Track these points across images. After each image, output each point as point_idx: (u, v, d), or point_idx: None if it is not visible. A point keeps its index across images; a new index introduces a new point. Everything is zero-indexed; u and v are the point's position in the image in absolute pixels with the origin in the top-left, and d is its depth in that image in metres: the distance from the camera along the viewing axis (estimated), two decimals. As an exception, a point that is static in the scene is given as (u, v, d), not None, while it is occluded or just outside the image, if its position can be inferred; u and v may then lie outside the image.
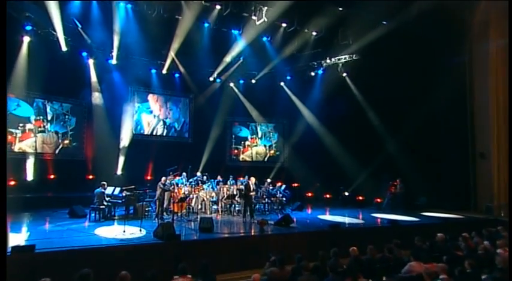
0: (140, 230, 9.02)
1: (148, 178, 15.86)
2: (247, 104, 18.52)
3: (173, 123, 17.93)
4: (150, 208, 11.71)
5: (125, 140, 16.14)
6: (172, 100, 17.94)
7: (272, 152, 19.80)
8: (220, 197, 12.59)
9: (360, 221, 12.00)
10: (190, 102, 18.24)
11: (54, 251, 6.44)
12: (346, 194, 16.30)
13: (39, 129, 14.64)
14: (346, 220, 12.19)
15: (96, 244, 7.51)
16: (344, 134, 16.36)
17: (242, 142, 19.41)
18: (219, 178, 14.34)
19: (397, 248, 7.47)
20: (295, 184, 16.69)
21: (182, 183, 13.09)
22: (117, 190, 11.13)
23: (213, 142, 17.44)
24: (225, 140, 18.89)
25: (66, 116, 15.51)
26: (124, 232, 8.75)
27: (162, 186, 10.86)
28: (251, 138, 19.50)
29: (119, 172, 15.51)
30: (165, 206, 11.15)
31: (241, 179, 14.26)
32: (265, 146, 19.75)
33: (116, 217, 10.80)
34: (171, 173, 12.26)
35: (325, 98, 16.88)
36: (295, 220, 10.78)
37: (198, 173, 14.27)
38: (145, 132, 17.23)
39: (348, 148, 16.05)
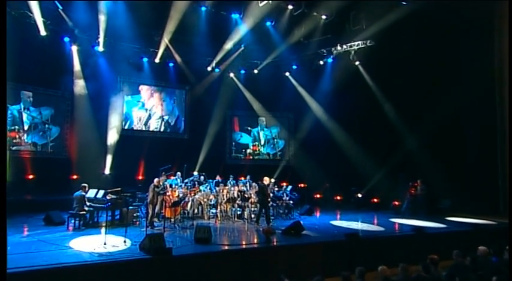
0: (124, 242, 7.94)
1: (140, 178, 15.44)
2: (249, 96, 17.83)
3: (167, 117, 17.34)
4: (139, 213, 10.77)
5: (113, 136, 15.44)
6: (166, 92, 17.34)
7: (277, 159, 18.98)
8: (220, 201, 11.59)
9: (379, 228, 10.90)
10: (186, 95, 17.66)
11: (9, 274, 5.26)
12: (359, 196, 15.47)
13: (14, 141, 13.58)
14: (363, 226, 11.17)
15: (67, 261, 6.36)
16: (357, 129, 15.64)
17: (243, 150, 18.80)
18: (218, 178, 13.71)
19: (434, 266, 6.35)
20: (302, 185, 15.94)
21: (176, 184, 12.29)
22: (101, 192, 10.10)
23: (211, 138, 16.88)
24: (224, 136, 18.27)
25: (47, 125, 14.52)
26: (105, 244, 7.61)
27: (155, 189, 9.84)
28: (253, 145, 18.89)
29: (107, 171, 14.95)
30: (156, 210, 10.17)
31: (242, 179, 13.78)
32: (268, 154, 19.10)
33: (99, 224, 9.81)
34: (163, 173, 11.28)
35: (336, 89, 16.07)
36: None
37: (195, 173, 13.82)
38: (136, 128, 16.61)
39: (361, 145, 15.28)
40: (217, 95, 17.19)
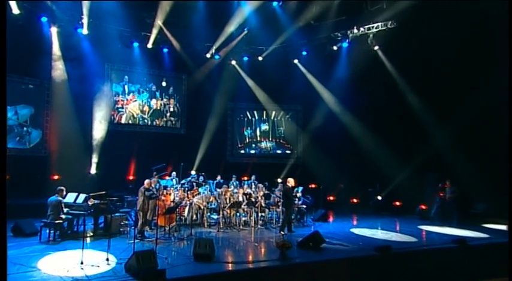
0: (107, 260, 6.69)
1: (130, 178, 14.67)
2: (253, 86, 17.14)
3: (161, 110, 16.59)
4: (127, 221, 9.58)
5: (99, 130, 14.57)
6: (159, 81, 16.52)
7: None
8: (222, 205, 10.50)
9: (410, 238, 9.70)
10: (183, 84, 16.99)
11: None
12: (379, 198, 14.59)
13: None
14: (390, 235, 10.02)
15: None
16: (376, 122, 14.77)
17: (246, 147, 18.15)
18: (218, 178, 13.35)
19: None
20: (313, 185, 14.99)
21: (172, 186, 11.44)
22: (82, 197, 8.99)
23: (211, 133, 16.23)
24: (225, 131, 17.65)
25: (25, 128, 13.37)
26: (82, 263, 6.38)
27: (145, 192, 8.78)
28: (257, 141, 18.22)
29: (93, 170, 14.16)
30: (148, 217, 9.07)
31: (245, 179, 13.50)
32: (275, 151, 18.28)
33: (79, 235, 8.35)
34: (155, 173, 10.13)
35: (352, 78, 15.21)
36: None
37: (192, 173, 13.38)
38: (126, 122, 15.84)
39: (381, 141, 14.36)
40: (218, 85, 16.54)
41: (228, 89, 16.69)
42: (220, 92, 16.56)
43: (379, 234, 10.18)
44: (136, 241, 7.71)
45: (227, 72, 16.71)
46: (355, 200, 15.24)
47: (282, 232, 9.56)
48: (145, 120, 16.14)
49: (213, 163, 15.29)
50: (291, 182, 10.21)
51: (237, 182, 13.57)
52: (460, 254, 8.32)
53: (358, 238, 9.56)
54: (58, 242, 8.20)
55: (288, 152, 17.95)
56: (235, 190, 11.71)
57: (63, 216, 8.55)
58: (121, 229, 9.12)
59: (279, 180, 15.26)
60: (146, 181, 8.98)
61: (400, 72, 14.43)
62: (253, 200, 10.85)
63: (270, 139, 18.07)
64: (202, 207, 10.71)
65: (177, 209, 9.86)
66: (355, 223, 12.10)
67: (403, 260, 7.89)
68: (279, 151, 18.06)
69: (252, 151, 17.92)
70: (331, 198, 15.20)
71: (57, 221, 8.36)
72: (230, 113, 17.76)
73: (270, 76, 16.26)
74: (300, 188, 12.49)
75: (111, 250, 7.06)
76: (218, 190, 12.84)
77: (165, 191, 10.35)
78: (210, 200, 10.96)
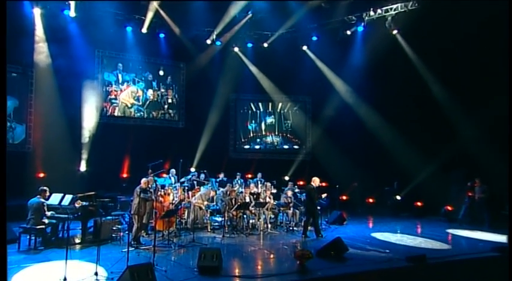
0: (96, 275, 5.87)
1: (124, 176, 14.30)
2: (258, 75, 16.67)
3: (158, 101, 16.02)
4: (120, 226, 8.87)
5: (89, 123, 13.98)
6: (156, 70, 15.99)
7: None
8: (226, 206, 9.77)
9: (442, 245, 8.94)
10: (181, 74, 16.51)
11: None
12: (398, 198, 14.08)
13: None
14: (417, 241, 9.25)
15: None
16: (395, 114, 14.17)
17: (251, 141, 17.65)
18: (221, 176, 13.15)
19: None
20: (323, 183, 13.81)
21: (170, 185, 10.89)
22: (68, 198, 8.32)
23: (212, 126, 15.85)
24: (227, 124, 17.24)
25: (8, 123, 12.60)
26: (65, 280, 5.51)
27: (141, 193, 8.00)
28: (262, 136, 17.71)
29: (83, 168, 13.62)
30: (144, 221, 8.36)
31: (250, 177, 13.47)
32: (281, 146, 17.76)
33: (66, 242, 7.51)
34: (150, 171, 9.61)
35: (368, 65, 14.64)
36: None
37: (192, 170, 13.41)
38: (119, 114, 15.22)
39: (400, 134, 13.80)
40: (219, 75, 16.15)
41: (231, 78, 16.25)
42: (222, 82, 16.10)
43: (406, 240, 9.41)
44: (131, 248, 6.94)
45: (230, 60, 16.30)
46: (370, 200, 14.74)
47: (303, 236, 9.21)
48: (141, 113, 15.54)
49: (214, 159, 14.91)
50: (315, 181, 9.61)
51: (242, 181, 13.20)
52: (503, 264, 7.45)
53: (383, 245, 8.76)
54: (40, 251, 7.45)
55: (296, 147, 17.52)
56: (241, 189, 11.14)
57: (46, 220, 7.84)
58: (113, 235, 8.44)
59: (286, 178, 15.02)
60: (143, 180, 8.22)
61: (422, 59, 13.82)
62: (261, 200, 10.24)
63: (277, 133, 17.63)
64: (203, 207, 10.06)
65: (177, 213, 9.15)
66: (373, 225, 11.59)
67: (440, 272, 7.09)
68: (286, 146, 17.62)
69: (257, 146, 17.50)
70: (344, 197, 14.67)
71: (38, 227, 7.62)
72: (233, 105, 17.34)
73: (276, 64, 15.93)
74: None
75: (102, 261, 6.32)
76: (221, 189, 12.37)
77: (162, 191, 9.70)
78: (211, 194, 10.44)
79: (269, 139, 17.55)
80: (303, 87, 16.49)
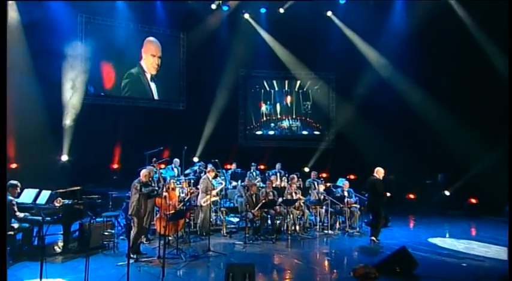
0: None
1: (115, 167, 13.94)
2: (273, 47, 15.99)
3: (153, 79, 15.32)
4: (114, 230, 7.93)
5: (72, 104, 13.21)
6: (151, 41, 15.23)
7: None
8: (248, 205, 8.66)
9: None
10: (181, 45, 15.86)
11: None
12: (446, 193, 13.35)
13: None
14: (497, 251, 8.01)
15: None
16: (445, 92, 13.46)
17: (263, 126, 17.10)
18: (233, 167, 12.63)
19: None
20: (352, 176, 13.80)
21: (173, 177, 10.19)
22: (45, 195, 7.39)
23: (218, 109, 15.37)
24: (236, 106, 16.72)
25: None
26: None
27: (142, 188, 7.03)
28: (277, 119, 17.08)
29: (64, 157, 13.03)
30: (145, 224, 7.35)
31: (262, 168, 13.19)
32: (300, 131, 17.09)
33: (41, 253, 6.37)
34: (154, 159, 8.53)
35: (411, 33, 13.99)
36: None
37: (195, 159, 13.09)
38: (108, 93, 14.54)
39: (452, 116, 13.12)
40: (226, 47, 15.58)
41: (240, 51, 15.67)
42: (230, 56, 15.52)
43: (477, 248, 8.29)
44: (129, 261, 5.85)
45: (239, 29, 15.76)
46: (411, 196, 14.02)
47: (373, 238, 8.57)
48: (134, 92, 14.80)
49: (220, 147, 14.21)
50: (379, 172, 8.83)
51: (258, 172, 12.54)
52: None
53: (451, 254, 7.64)
54: (9, 265, 6.29)
55: (317, 133, 17.07)
56: (262, 184, 10.43)
57: (16, 225, 6.92)
58: (104, 242, 7.57)
59: (306, 169, 14.60)
60: (143, 172, 7.22)
61: (480, 25, 13.06)
62: (289, 197, 9.24)
63: (294, 117, 17.11)
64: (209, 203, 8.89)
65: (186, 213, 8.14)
66: (423, 227, 10.63)
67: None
68: (305, 132, 17.14)
69: (271, 132, 17.00)
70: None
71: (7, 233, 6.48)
72: (242, 84, 16.75)
73: (294, 34, 15.38)
74: (343, 180, 11.35)
75: (92, 279, 5.37)
76: (234, 183, 11.79)
77: (163, 183, 8.54)
78: (221, 185, 9.67)
79: (285, 124, 17.05)
80: (326, 61, 15.84)
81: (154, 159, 8.52)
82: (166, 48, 15.53)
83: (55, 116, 12.76)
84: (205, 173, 10.78)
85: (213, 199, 8.91)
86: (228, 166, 12.92)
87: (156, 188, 7.44)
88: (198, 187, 9.27)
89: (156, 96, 15.29)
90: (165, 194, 7.80)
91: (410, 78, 14.38)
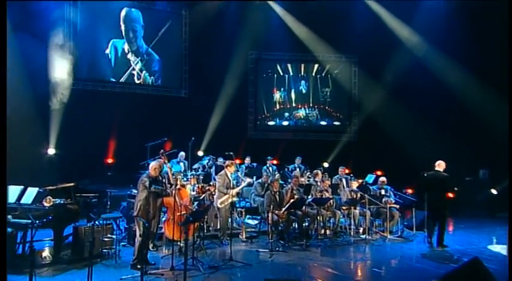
0: None
1: (109, 161, 13.75)
2: (288, 26, 15.70)
3: (152, 62, 15.21)
4: (115, 235, 7.54)
5: (59, 90, 13.03)
6: (150, 18, 15.07)
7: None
8: (271, 206, 8.18)
9: None
10: (183, 24, 15.67)
11: None
12: (494, 192, 13.00)
13: None
14: None
15: None
16: (491, 72, 13.13)
17: (276, 116, 16.98)
18: (247, 161, 12.46)
19: None
20: (379, 172, 13.32)
21: (179, 172, 9.91)
22: (31, 193, 6.89)
23: (226, 96, 15.15)
24: (245, 93, 16.40)
25: None
26: None
27: (151, 185, 6.53)
28: (293, 109, 16.84)
29: (51, 150, 12.93)
30: (153, 228, 6.90)
31: (274, 163, 12.69)
32: (318, 121, 16.79)
33: (28, 263, 6.12)
34: (162, 151, 7.96)
35: (451, 6, 13.91)
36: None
37: (200, 153, 13.29)
38: (100, 78, 14.42)
39: (499, 100, 12.36)
40: (235, 25, 15.43)
41: (250, 30, 15.36)
42: (239, 36, 15.31)
43: None
44: (136, 273, 5.84)
45: (249, 5, 15.66)
46: (450, 195, 13.21)
47: (429, 241, 8.46)
48: (130, 76, 14.57)
49: (228, 140, 13.93)
50: (441, 166, 8.48)
51: (275, 167, 12.31)
52: None
53: None
54: None
55: (337, 123, 16.82)
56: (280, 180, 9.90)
57: None
58: (104, 250, 7.15)
59: (326, 164, 14.23)
60: (153, 164, 6.73)
61: None
62: (319, 195, 8.80)
63: (311, 105, 16.81)
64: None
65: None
66: (473, 232, 10.25)
67: None
68: (323, 122, 16.85)
69: (285, 123, 16.75)
70: (409, 191, 13.32)
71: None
72: (253, 68, 16.42)
73: (312, 11, 15.23)
74: (372, 177, 11.71)
75: None
76: (249, 179, 10.97)
77: (172, 178, 8.09)
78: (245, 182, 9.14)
79: (301, 113, 16.82)
80: (349, 41, 15.58)
81: (162, 151, 7.88)
82: (167, 27, 15.07)
83: (41, 104, 12.57)
84: (215, 168, 10.61)
85: (231, 199, 8.32)
86: (237, 161, 12.22)
87: (167, 188, 6.90)
88: (211, 183, 8.89)
89: (157, 82, 15.00)
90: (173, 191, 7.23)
91: (450, 57, 14.10)
